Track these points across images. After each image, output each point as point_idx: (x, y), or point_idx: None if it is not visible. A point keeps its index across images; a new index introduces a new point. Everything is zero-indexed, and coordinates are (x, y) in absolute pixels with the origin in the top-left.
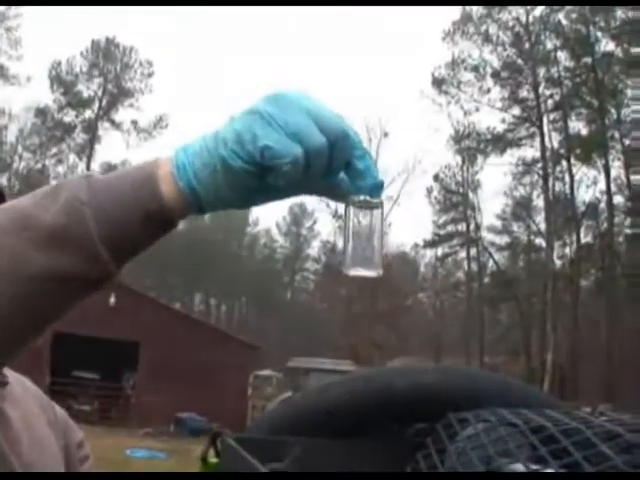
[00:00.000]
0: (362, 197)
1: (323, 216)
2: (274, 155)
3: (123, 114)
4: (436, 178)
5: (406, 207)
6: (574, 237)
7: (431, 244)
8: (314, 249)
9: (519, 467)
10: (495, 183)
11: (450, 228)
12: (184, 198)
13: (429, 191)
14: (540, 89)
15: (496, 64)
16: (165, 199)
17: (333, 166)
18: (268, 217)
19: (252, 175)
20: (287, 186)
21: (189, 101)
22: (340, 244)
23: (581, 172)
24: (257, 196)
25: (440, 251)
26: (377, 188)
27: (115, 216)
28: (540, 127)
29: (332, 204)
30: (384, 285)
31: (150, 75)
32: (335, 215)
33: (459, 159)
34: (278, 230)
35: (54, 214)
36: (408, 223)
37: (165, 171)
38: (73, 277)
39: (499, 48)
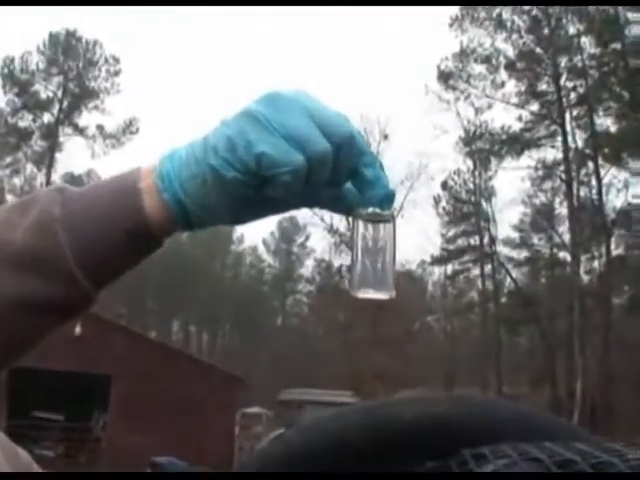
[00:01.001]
0: (371, 209)
1: (317, 231)
2: (271, 163)
3: (87, 118)
4: (444, 186)
5: (411, 219)
6: (603, 249)
7: (440, 260)
8: (307, 268)
9: None
10: (511, 190)
11: (461, 242)
12: (170, 212)
13: (436, 200)
14: (562, 81)
15: (511, 54)
16: (149, 214)
17: (338, 175)
18: (254, 233)
19: (247, 186)
20: (286, 198)
21: (162, 102)
22: (337, 262)
23: (610, 174)
24: (252, 210)
25: (450, 268)
26: (388, 199)
27: (93, 234)
28: (562, 124)
29: (327, 217)
30: (387, 307)
31: (117, 73)
32: (331, 230)
33: (470, 163)
34: (266, 248)
35: (24, 232)
36: (413, 237)
37: (148, 182)
38: (45, 304)
39: (514, 35)
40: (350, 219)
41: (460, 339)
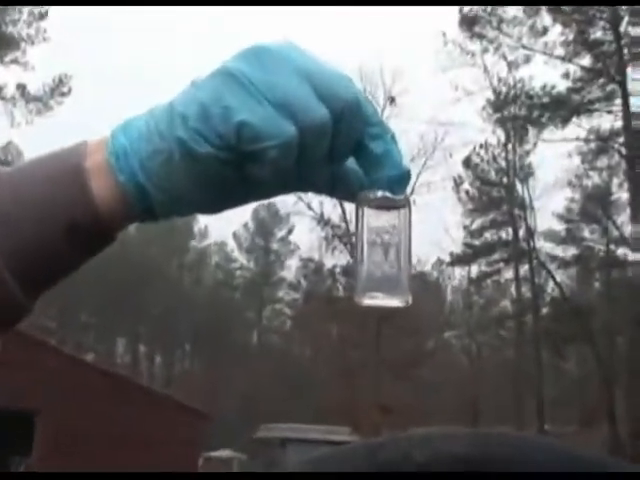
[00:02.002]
0: (380, 193)
1: (303, 222)
2: (255, 135)
3: (3, 74)
4: (467, 163)
5: (424, 206)
6: None
7: (462, 260)
8: (290, 270)
9: None
10: (555, 168)
11: (489, 236)
12: (126, 198)
13: (457, 182)
14: (622, 26)
15: None
16: (98, 200)
17: (338, 150)
18: (222, 225)
19: (224, 165)
20: (274, 179)
21: (102, 55)
22: (329, 263)
23: None
24: (231, 194)
25: (475, 270)
26: (401, 181)
27: (26, 228)
28: (622, 83)
29: (316, 204)
30: (395, 321)
31: (43, 16)
32: (321, 220)
33: (501, 134)
34: (237, 244)
35: None
36: (427, 230)
37: (97, 160)
38: None
39: None
40: (354, 207)
41: (487, 361)
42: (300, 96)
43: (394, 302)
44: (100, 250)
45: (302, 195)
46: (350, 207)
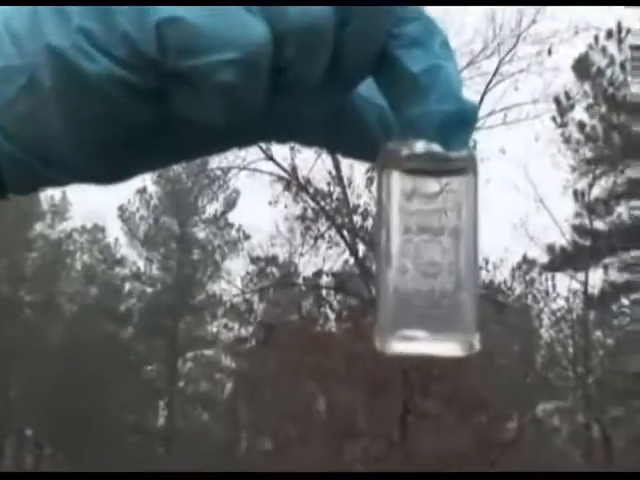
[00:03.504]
0: (421, 147)
1: (256, 188)
2: (196, 42)
3: None
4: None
5: (501, 170)
6: None
7: (572, 261)
8: (230, 281)
9: None
10: None
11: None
12: None
13: (562, 121)
14: None
15: None
16: None
17: (344, 69)
18: (96, 192)
19: (137, 97)
20: (228, 122)
21: None
22: (307, 268)
23: None
24: (148, 151)
25: (597, 277)
26: (461, 122)
27: None
28: None
29: (283, 153)
30: (448, 382)
31: None
32: (293, 185)
33: None
34: (125, 229)
35: None
36: (505, 208)
37: None
38: None
39: None
40: (367, 171)
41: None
42: None
43: (449, 347)
44: None
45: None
46: (361, 170)
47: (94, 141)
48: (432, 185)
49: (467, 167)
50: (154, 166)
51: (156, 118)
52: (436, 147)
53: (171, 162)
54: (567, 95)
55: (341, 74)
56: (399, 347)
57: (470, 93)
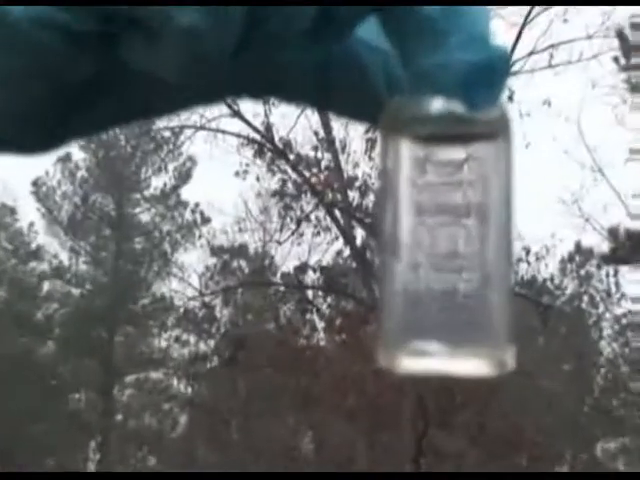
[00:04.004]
0: (439, 106)
1: (216, 154)
2: None
3: None
4: None
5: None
6: None
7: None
8: (183, 278)
9: None
10: None
11: None
12: None
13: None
14: None
15: None
16: None
17: (338, 9)
18: None
19: (74, 45)
20: (190, 75)
21: None
22: (287, 262)
23: None
24: (87, 114)
25: None
26: (491, 77)
27: None
28: None
29: (256, 110)
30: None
31: None
32: (266, 149)
33: None
34: (42, 211)
35: None
36: (548, 176)
37: None
38: None
39: None
40: (365, 134)
41: None
42: None
43: (473, 365)
44: None
45: None
46: (359, 131)
47: (20, 100)
48: (452, 152)
49: (497, 131)
50: (96, 129)
51: (99, 71)
52: (457, 106)
53: (117, 124)
54: (634, 27)
55: (333, 18)
56: (410, 364)
57: (503, 30)
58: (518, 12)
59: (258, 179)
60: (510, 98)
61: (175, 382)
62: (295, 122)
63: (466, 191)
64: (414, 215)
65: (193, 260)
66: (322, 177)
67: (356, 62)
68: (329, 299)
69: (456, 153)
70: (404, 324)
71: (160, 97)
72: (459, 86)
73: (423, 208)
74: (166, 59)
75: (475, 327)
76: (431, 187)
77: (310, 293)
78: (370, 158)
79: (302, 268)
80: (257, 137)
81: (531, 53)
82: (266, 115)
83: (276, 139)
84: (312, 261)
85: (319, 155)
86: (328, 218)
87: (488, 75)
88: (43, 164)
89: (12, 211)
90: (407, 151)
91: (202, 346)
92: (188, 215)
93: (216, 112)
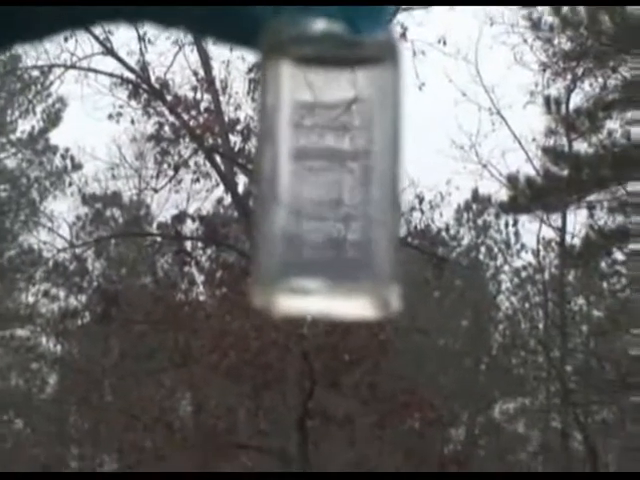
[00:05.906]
0: (319, 27)
1: (87, 95)
2: None
3: None
4: None
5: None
6: None
7: (545, 197)
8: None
9: None
10: None
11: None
12: None
13: None
14: None
15: None
16: None
17: None
18: None
19: None
20: None
21: None
22: (164, 210)
23: None
24: None
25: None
26: None
27: None
28: None
29: (124, 47)
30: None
31: None
32: (138, 88)
33: None
34: None
35: None
36: (443, 118)
37: None
38: None
39: None
40: (246, 60)
41: None
42: None
43: (356, 303)
44: None
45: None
46: (241, 70)
47: None
48: (336, 83)
49: (383, 56)
50: None
51: None
52: (339, 27)
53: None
54: None
55: None
56: (287, 303)
57: None
58: None
59: (133, 122)
60: (403, 35)
61: (44, 340)
62: (172, 61)
63: (350, 131)
64: (295, 158)
65: (63, 209)
66: (201, 120)
67: None
68: (209, 251)
69: (340, 85)
70: (282, 262)
71: (20, 20)
72: (341, 8)
73: (305, 150)
74: None
75: (358, 265)
76: (313, 127)
77: (189, 244)
78: (253, 100)
79: (180, 217)
80: (132, 77)
81: None
82: (141, 53)
83: (152, 79)
84: (191, 210)
85: (198, 96)
86: (208, 164)
87: None
88: None
89: None
90: (287, 79)
91: (73, 301)
92: (58, 161)
93: (88, 50)
